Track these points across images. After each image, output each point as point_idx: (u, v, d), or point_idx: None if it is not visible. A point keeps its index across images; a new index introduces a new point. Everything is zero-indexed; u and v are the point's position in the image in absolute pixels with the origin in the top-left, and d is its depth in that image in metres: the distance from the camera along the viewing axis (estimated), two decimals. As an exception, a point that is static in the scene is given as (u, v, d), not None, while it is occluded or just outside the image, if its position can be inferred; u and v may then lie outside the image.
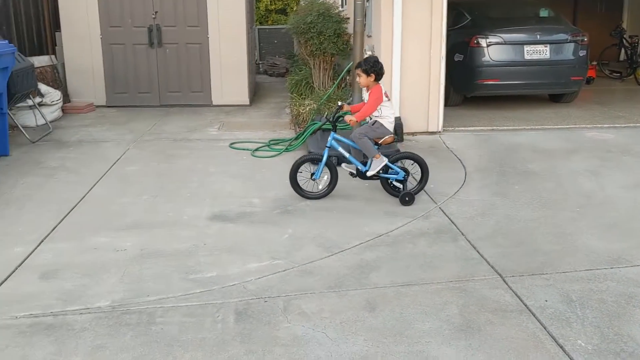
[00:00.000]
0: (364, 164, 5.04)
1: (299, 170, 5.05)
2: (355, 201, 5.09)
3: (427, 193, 5.25)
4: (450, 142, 6.96)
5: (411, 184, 5.08)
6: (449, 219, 4.66)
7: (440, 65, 7.13)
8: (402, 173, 5.00)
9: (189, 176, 5.76)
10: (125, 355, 2.88)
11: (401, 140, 7.00)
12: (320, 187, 5.09)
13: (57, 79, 9.18)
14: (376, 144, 4.94)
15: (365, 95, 5.08)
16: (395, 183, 5.07)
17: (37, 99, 7.99)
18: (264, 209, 4.88)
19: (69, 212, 4.81)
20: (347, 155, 5.06)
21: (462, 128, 7.49)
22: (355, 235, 4.35)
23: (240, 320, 3.20)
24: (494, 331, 3.10)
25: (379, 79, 4.91)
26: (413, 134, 7.25)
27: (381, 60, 7.10)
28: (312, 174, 5.07)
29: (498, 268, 3.80)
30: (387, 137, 4.93)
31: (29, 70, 7.19)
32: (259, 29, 15.33)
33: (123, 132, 7.62)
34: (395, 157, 5.12)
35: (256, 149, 6.69)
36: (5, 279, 3.66)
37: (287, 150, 6.70)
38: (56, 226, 4.53)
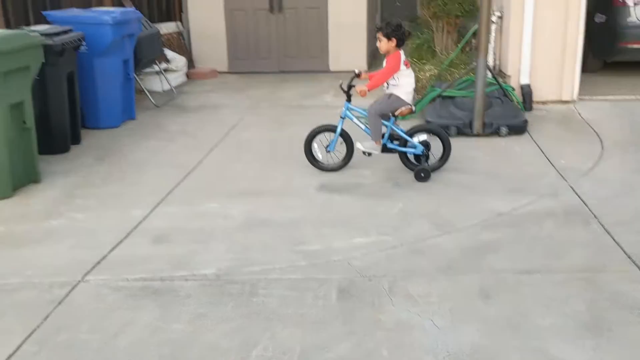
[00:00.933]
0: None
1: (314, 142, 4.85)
2: (474, 175, 4.73)
3: (556, 169, 4.77)
4: (585, 112, 6.29)
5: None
6: (581, 199, 4.18)
7: (579, 26, 6.42)
8: (421, 148, 4.63)
9: (301, 144, 5.67)
10: (224, 326, 2.85)
11: (529, 109, 6.47)
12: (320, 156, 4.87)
13: (182, 45, 9.47)
14: (393, 115, 4.60)
15: None
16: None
17: (163, 65, 8.28)
18: (375, 181, 4.68)
19: (185, 177, 4.91)
20: (362, 127, 4.72)
21: (601, 97, 6.75)
22: (472, 213, 4.03)
23: (343, 298, 3.05)
24: (628, 332, 2.70)
25: (401, 45, 4.52)
26: (544, 102, 6.64)
27: (511, 21, 6.60)
28: (327, 146, 4.81)
29: (637, 259, 3.33)
30: (403, 108, 4.57)
31: (155, 36, 7.45)
32: (380, -9, 14.87)
33: (241, 98, 7.71)
34: (415, 129, 4.73)
35: (371, 117, 6.45)
36: (121, 241, 3.79)
37: (403, 118, 6.39)
38: (172, 190, 4.63)
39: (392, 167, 4.91)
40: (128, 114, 6.67)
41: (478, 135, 5.65)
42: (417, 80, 7.20)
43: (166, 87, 8.12)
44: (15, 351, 2.69)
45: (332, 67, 9.25)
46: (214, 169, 5.10)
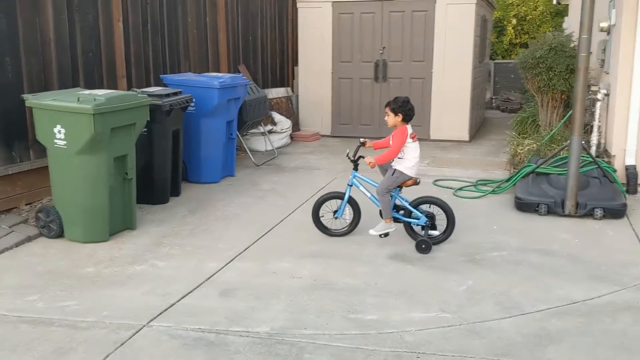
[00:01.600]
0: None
1: (321, 212, 5.00)
2: (556, 258, 4.49)
3: (649, 258, 4.41)
4: (698, 199, 5.78)
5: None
6: (672, 294, 3.83)
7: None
8: (424, 219, 4.69)
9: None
10: (263, 386, 2.90)
11: (633, 192, 6.07)
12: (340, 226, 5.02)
13: (290, 109, 9.97)
14: (398, 186, 4.72)
15: None
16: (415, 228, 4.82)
17: (269, 127, 8.76)
18: (449, 254, 4.58)
19: (265, 234, 5.11)
20: (368, 194, 4.84)
21: None
22: (544, 298, 3.82)
23: (386, 372, 3.00)
24: None
25: (407, 120, 4.65)
26: (651, 186, 6.19)
27: (616, 99, 6.31)
28: (335, 212, 4.97)
29: None
30: (408, 180, 4.69)
31: (261, 100, 7.93)
32: (495, 63, 14.80)
33: (336, 161, 7.91)
34: (420, 201, 4.77)
35: (459, 188, 6.37)
36: (191, 291, 4.00)
37: (493, 192, 6.25)
38: (249, 246, 4.83)
39: (472, 242, 4.80)
40: (228, 171, 7.08)
41: (569, 215, 5.37)
42: (514, 154, 7.08)
43: (269, 147, 8.55)
44: (71, 384, 2.92)
45: (432, 136, 9.27)
46: (293, 229, 5.26)
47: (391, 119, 4.65)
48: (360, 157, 4.78)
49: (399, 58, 9.39)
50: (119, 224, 5.12)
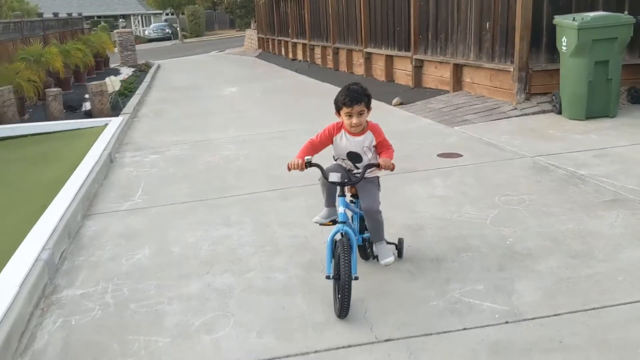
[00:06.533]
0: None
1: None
2: None
3: None
4: None
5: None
6: None
7: None
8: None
9: None
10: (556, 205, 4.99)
11: None
12: None
13: None
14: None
15: (347, 140, 3.45)
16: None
17: None
18: None
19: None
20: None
21: None
22: None
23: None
24: None
25: None
26: None
27: None
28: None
29: None
30: None
31: None
32: None
33: None
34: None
35: None
36: (571, 152, 5.90)
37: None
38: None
39: None
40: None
41: None
42: None
43: None
44: (462, 164, 5.83)
45: None
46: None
47: (367, 115, 3.41)
48: (369, 166, 3.40)
49: None
50: (599, 111, 7.06)
